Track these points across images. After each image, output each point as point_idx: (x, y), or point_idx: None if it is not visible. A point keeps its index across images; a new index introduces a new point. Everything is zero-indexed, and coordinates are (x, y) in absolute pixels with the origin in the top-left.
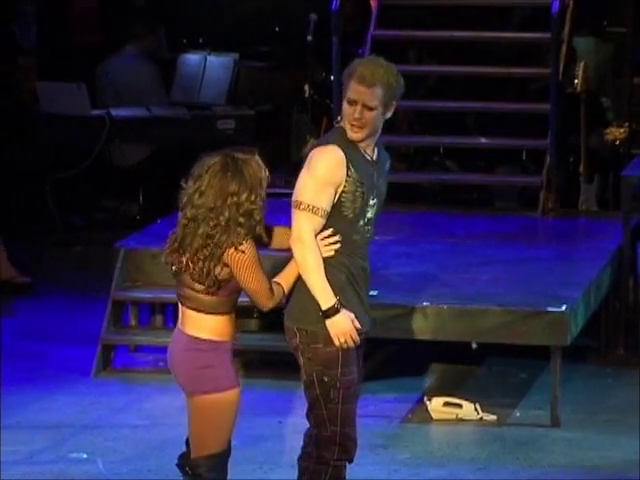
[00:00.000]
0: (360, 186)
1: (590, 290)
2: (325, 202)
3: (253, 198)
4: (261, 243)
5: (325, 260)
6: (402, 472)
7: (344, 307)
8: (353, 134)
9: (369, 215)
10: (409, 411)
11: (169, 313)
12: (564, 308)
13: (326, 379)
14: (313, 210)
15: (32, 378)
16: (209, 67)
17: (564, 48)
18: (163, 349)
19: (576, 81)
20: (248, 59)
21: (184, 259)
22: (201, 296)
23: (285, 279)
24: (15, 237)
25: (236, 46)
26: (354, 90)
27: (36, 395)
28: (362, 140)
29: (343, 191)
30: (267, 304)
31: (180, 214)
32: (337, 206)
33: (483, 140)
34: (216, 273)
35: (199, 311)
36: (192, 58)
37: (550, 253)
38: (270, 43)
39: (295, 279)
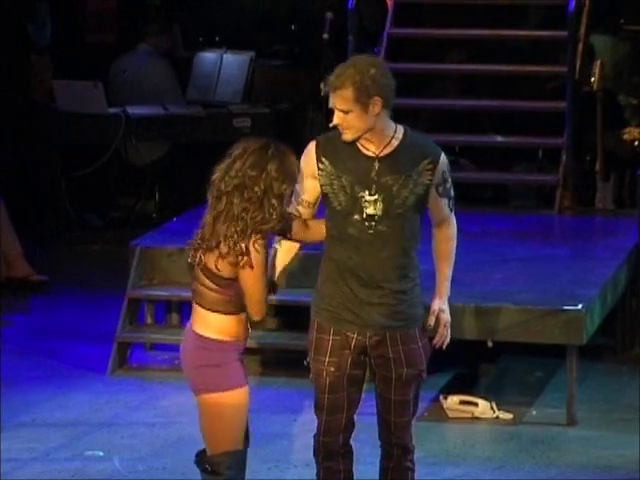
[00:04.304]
0: (336, 179)
1: (607, 289)
2: (305, 192)
3: (284, 187)
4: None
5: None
6: (417, 470)
7: (320, 301)
8: (343, 137)
9: (370, 211)
10: (425, 409)
11: (185, 311)
12: (580, 307)
13: (306, 358)
14: (297, 200)
15: (48, 376)
16: (225, 65)
17: (580, 46)
18: (179, 347)
19: (592, 79)
20: (264, 57)
21: (199, 253)
22: (208, 292)
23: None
24: (31, 235)
25: (252, 44)
26: (330, 97)
27: (52, 393)
28: (353, 141)
29: (321, 184)
30: (257, 314)
31: (209, 200)
32: (324, 197)
33: (499, 138)
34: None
35: (206, 309)
36: (208, 56)
37: (566, 251)
38: (286, 41)
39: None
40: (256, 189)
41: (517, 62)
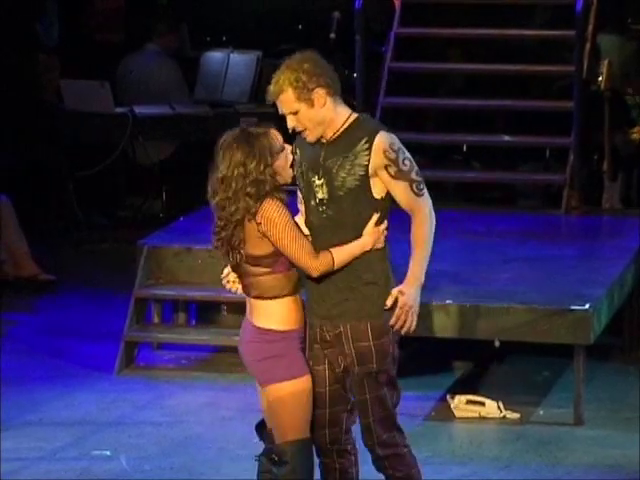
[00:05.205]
0: (300, 166)
1: (614, 288)
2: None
3: (262, 168)
4: None
5: None
6: (424, 470)
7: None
8: (307, 139)
9: (320, 196)
10: (432, 409)
11: (192, 311)
12: (588, 307)
13: None
14: None
15: (55, 375)
16: (232, 65)
17: (588, 46)
18: (186, 347)
19: (600, 79)
20: (271, 57)
21: (224, 247)
22: (263, 279)
23: (337, 249)
24: (38, 235)
25: (259, 44)
26: (277, 105)
27: (59, 392)
28: (317, 139)
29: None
30: (312, 267)
31: None
32: (299, 191)
33: (506, 138)
34: (241, 246)
35: (264, 298)
36: (215, 56)
37: (573, 251)
38: (293, 41)
39: (349, 255)
40: (229, 189)
41: (524, 62)
